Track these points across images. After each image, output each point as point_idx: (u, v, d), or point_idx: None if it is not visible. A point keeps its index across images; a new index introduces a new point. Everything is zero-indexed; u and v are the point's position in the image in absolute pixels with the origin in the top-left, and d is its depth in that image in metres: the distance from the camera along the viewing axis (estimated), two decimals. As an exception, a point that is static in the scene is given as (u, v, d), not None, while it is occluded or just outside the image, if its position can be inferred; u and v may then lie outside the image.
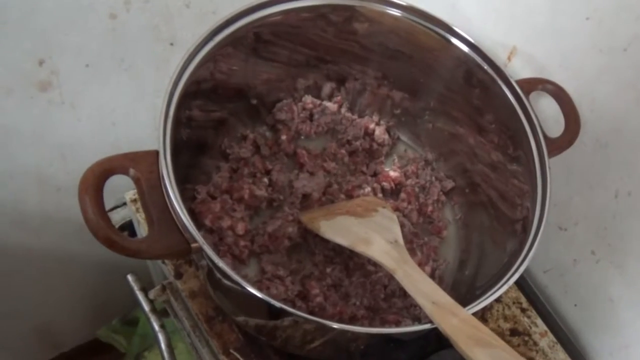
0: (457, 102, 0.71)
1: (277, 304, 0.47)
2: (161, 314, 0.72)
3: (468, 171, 0.73)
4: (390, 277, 0.66)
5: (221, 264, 0.47)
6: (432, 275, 0.68)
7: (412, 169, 0.75)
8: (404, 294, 0.66)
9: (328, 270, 0.65)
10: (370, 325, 0.62)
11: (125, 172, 0.49)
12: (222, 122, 0.68)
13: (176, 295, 0.68)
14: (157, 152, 0.49)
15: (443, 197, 0.74)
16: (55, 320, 1.12)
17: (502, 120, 0.65)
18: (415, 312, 0.65)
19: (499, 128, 0.66)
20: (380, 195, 0.72)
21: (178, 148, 0.53)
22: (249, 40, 0.60)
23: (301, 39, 0.66)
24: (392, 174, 0.73)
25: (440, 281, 0.69)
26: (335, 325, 0.49)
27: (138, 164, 0.49)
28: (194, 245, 0.48)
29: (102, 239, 0.45)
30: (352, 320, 0.62)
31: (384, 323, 0.63)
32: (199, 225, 0.62)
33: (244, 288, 0.47)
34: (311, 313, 0.61)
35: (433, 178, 0.74)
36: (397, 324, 0.63)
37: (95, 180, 0.47)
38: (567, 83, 0.65)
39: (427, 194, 0.73)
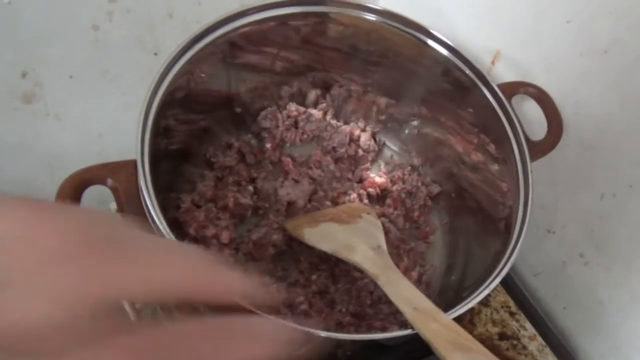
0: (442, 107, 0.71)
1: (257, 312, 0.47)
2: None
3: (454, 176, 0.73)
4: (376, 284, 0.65)
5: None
6: (419, 281, 0.68)
7: (399, 175, 0.75)
8: (390, 300, 0.66)
9: (313, 277, 0.65)
10: (357, 332, 0.62)
11: (104, 183, 0.49)
12: (206, 130, 0.68)
13: (163, 305, 0.67)
14: (135, 162, 0.49)
15: (429, 202, 0.74)
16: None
17: (485, 124, 0.65)
18: (401, 318, 0.64)
19: (482, 131, 0.66)
20: (366, 201, 0.72)
21: (159, 157, 0.53)
22: (226, 49, 0.61)
23: (280, 47, 0.66)
24: (378, 179, 0.73)
25: (427, 286, 0.69)
26: (323, 334, 0.49)
27: (116, 174, 0.49)
28: (172, 254, 0.48)
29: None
30: (338, 327, 0.62)
31: (370, 329, 0.63)
32: (184, 234, 0.62)
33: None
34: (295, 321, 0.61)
35: (419, 183, 0.74)
36: (384, 330, 0.62)
37: (73, 191, 0.47)
38: (550, 86, 0.65)
39: (414, 199, 0.73)
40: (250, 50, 0.63)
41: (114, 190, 0.49)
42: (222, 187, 0.67)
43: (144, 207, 0.48)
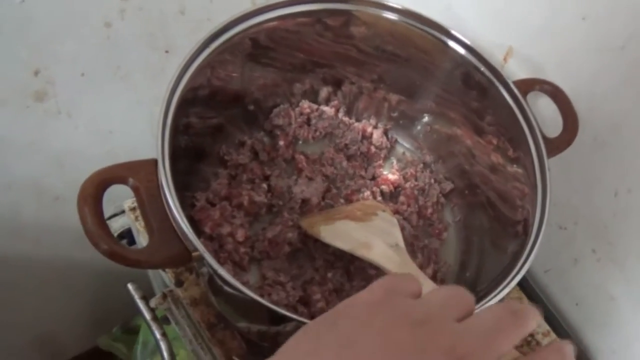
0: (455, 104, 0.71)
1: (280, 311, 0.47)
2: (162, 321, 0.72)
3: (467, 173, 0.73)
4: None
5: (222, 271, 0.47)
6: (433, 278, 0.68)
7: (411, 172, 0.74)
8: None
9: (329, 275, 0.65)
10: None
11: (124, 182, 0.49)
12: (219, 128, 0.68)
13: (177, 303, 0.67)
14: (155, 161, 0.49)
15: (442, 199, 0.74)
16: (55, 330, 1.11)
17: (501, 122, 0.65)
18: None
19: (498, 129, 0.66)
20: (379, 198, 0.72)
21: (176, 156, 0.53)
22: (245, 47, 0.60)
23: (298, 44, 0.66)
24: (391, 177, 0.73)
25: (441, 283, 0.69)
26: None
27: (137, 173, 0.49)
28: (194, 253, 0.48)
29: (102, 250, 0.45)
30: (355, 324, 0.62)
31: (386, 327, 0.63)
32: (199, 232, 0.62)
33: (246, 295, 0.47)
34: (313, 318, 0.61)
35: (432, 180, 0.74)
36: (400, 327, 0.62)
37: (94, 190, 0.47)
38: (564, 83, 0.65)
39: (427, 196, 0.73)
40: (269, 48, 0.63)
41: (135, 190, 0.49)
42: (236, 185, 0.67)
43: (165, 206, 0.48)
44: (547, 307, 0.77)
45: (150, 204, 0.49)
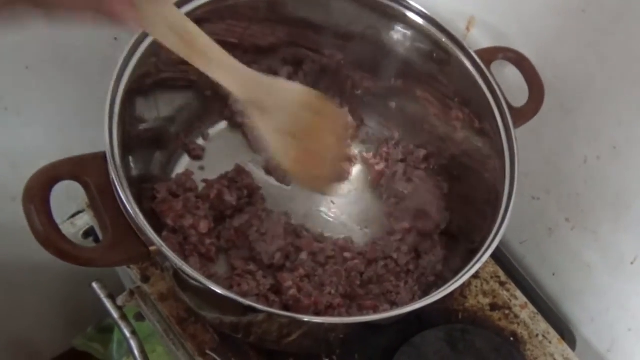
0: (419, 78, 0.69)
1: (244, 301, 0.45)
2: (137, 317, 0.70)
3: (434, 147, 0.71)
4: (367, 264, 0.64)
5: (182, 265, 0.45)
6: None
7: (384, 150, 0.73)
8: (380, 280, 0.65)
9: (300, 260, 0.63)
10: (347, 313, 0.61)
11: (73, 178, 0.46)
12: (176, 117, 0.65)
13: (145, 300, 0.65)
14: (104, 154, 0.46)
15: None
16: (29, 333, 1.09)
17: (465, 94, 0.64)
18: (391, 298, 0.63)
19: (463, 102, 0.64)
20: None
21: (131, 147, 0.51)
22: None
23: (248, 23, 0.63)
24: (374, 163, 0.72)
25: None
26: (306, 319, 0.48)
27: (86, 168, 0.47)
28: (152, 248, 0.46)
29: (51, 250, 0.43)
30: (329, 309, 0.60)
31: (361, 310, 0.61)
32: (162, 225, 0.60)
33: (209, 288, 0.45)
34: (285, 306, 0.59)
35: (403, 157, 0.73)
36: (375, 309, 0.61)
37: (40, 188, 0.44)
38: (528, 49, 0.64)
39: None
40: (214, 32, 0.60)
41: (85, 185, 0.47)
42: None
43: (118, 200, 0.46)
44: (525, 280, 0.77)
45: (102, 200, 0.46)
